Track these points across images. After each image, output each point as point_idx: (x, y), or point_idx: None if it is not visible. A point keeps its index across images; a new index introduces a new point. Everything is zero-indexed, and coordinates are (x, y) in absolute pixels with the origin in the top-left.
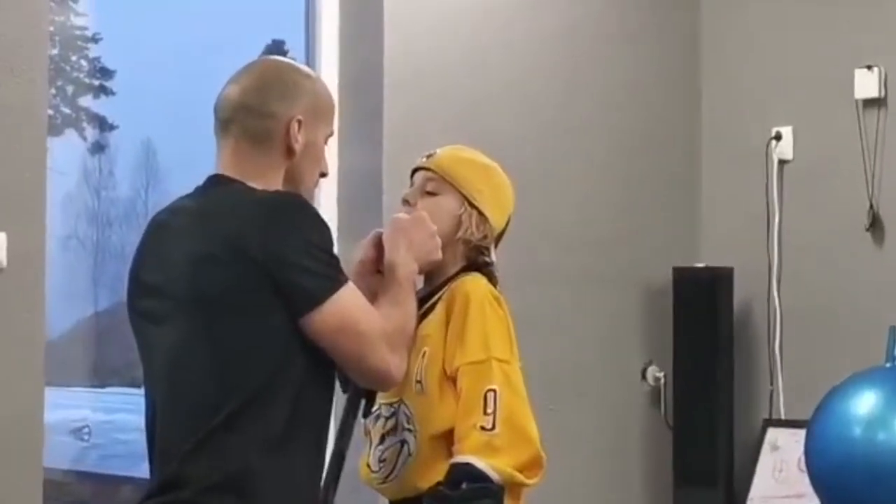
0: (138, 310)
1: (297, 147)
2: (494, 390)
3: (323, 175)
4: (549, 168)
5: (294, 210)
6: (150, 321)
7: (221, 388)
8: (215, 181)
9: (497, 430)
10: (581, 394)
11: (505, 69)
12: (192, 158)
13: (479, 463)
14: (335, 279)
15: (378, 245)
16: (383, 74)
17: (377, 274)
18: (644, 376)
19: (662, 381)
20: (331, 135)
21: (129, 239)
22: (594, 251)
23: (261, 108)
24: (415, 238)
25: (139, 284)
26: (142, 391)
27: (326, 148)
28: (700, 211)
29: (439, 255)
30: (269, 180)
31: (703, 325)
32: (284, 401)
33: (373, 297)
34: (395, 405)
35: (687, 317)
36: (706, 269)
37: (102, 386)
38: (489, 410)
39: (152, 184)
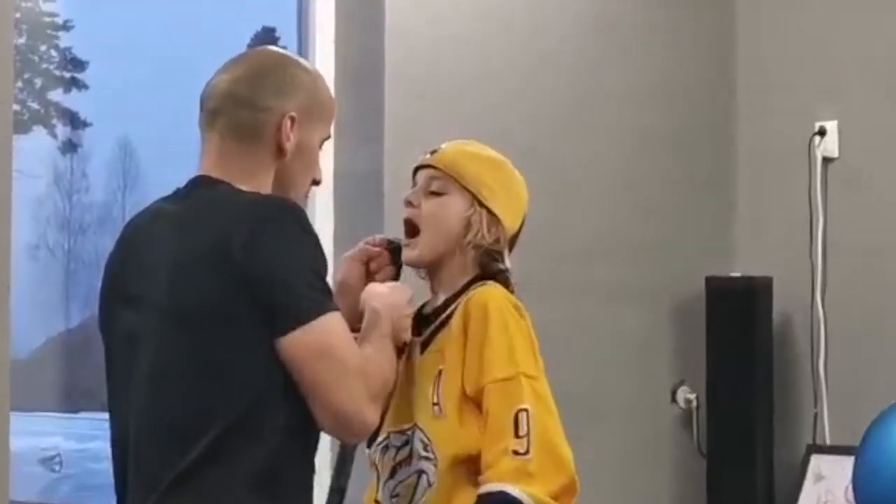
0: (111, 323)
1: (289, 146)
2: (526, 410)
3: (315, 183)
4: (568, 170)
5: (285, 218)
6: (123, 336)
7: (204, 411)
8: (198, 183)
9: (531, 454)
10: (604, 418)
11: (522, 61)
12: (174, 159)
13: (514, 490)
14: (319, 304)
15: (366, 261)
16: (384, 65)
17: (357, 298)
18: (674, 398)
19: (694, 403)
20: (327, 138)
21: (104, 247)
22: (618, 261)
23: (251, 99)
24: (394, 307)
25: (113, 295)
26: None
27: (322, 153)
28: (735, 215)
29: (408, 336)
30: (258, 182)
31: (739, 341)
32: (273, 429)
33: (348, 322)
34: (409, 432)
35: (721, 332)
36: (742, 279)
37: (75, 411)
38: (522, 433)
39: (130, 186)
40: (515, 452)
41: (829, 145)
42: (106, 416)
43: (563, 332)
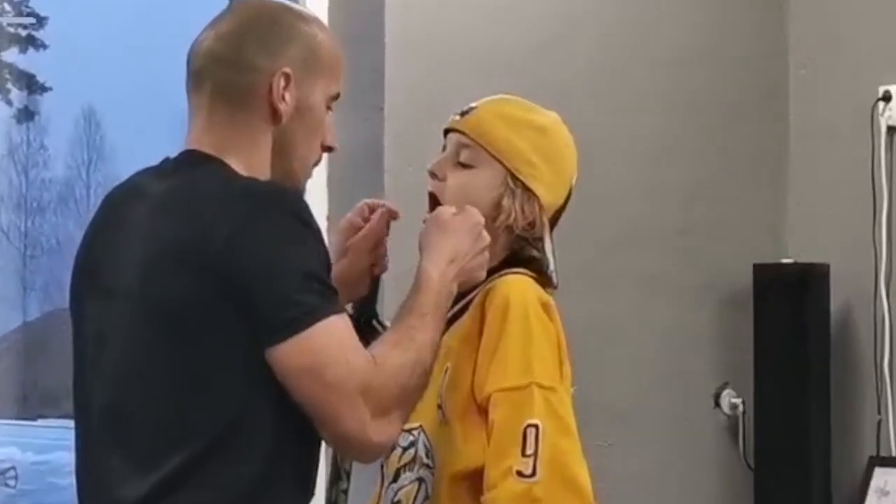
0: (79, 312)
1: (284, 108)
2: (536, 425)
3: (328, 149)
4: (596, 145)
5: (278, 209)
6: (93, 328)
7: (178, 427)
8: (187, 159)
9: (538, 476)
10: (637, 426)
11: (543, 19)
12: (147, 130)
13: None
14: (315, 308)
15: (364, 217)
16: (384, 23)
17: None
18: (718, 403)
19: (741, 408)
20: (335, 97)
21: (66, 230)
22: (655, 248)
23: (237, 58)
24: (462, 248)
25: (85, 279)
26: None
27: (330, 114)
28: (787, 194)
29: (483, 276)
30: (254, 154)
31: (791, 337)
32: (258, 446)
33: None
34: (415, 433)
35: (771, 327)
36: (795, 266)
37: (33, 418)
38: (529, 451)
39: (95, 162)
40: (520, 473)
41: (895, 112)
42: (70, 423)
43: (590, 330)
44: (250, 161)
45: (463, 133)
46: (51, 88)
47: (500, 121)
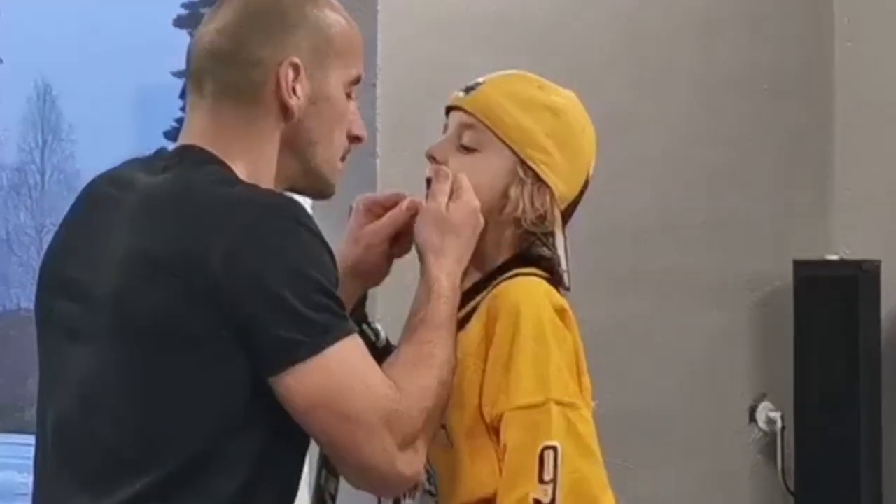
0: (49, 312)
1: (295, 103)
2: (554, 447)
3: (355, 139)
4: (618, 127)
5: (282, 220)
6: (61, 332)
7: (146, 445)
8: (185, 154)
9: None
10: (665, 444)
11: None
12: (108, 107)
13: None
14: (326, 329)
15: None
16: None
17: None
18: (753, 417)
19: (779, 423)
20: (356, 80)
21: (18, 222)
22: (685, 244)
23: (237, 53)
24: (466, 243)
25: (55, 277)
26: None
27: (354, 103)
28: (832, 183)
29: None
30: (260, 156)
31: (836, 342)
32: (236, 472)
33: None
34: None
35: (814, 331)
36: (841, 263)
37: None
38: (547, 477)
39: (51, 144)
40: (538, 502)
41: None
42: (19, 438)
43: (609, 337)
44: (256, 164)
45: (467, 112)
46: (1, 60)
47: (509, 100)
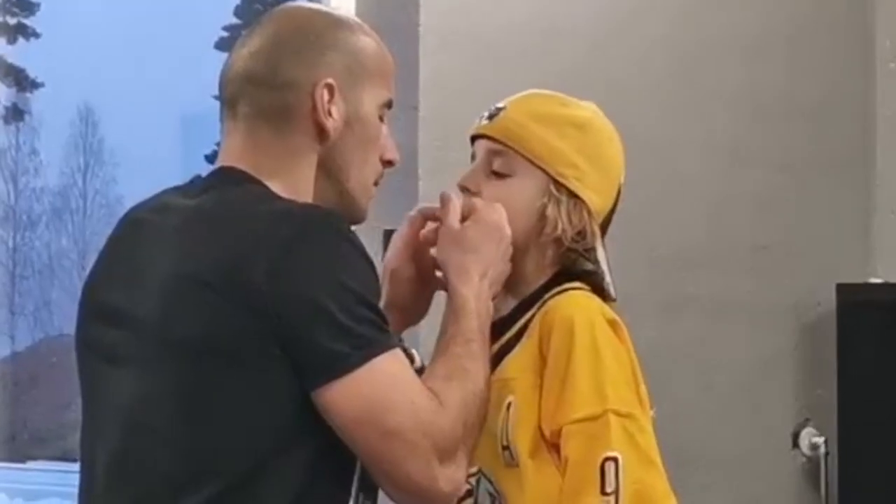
0: (90, 339)
1: (331, 124)
2: (615, 458)
3: (388, 163)
4: (658, 149)
5: (325, 235)
6: (103, 358)
7: (198, 466)
8: (222, 176)
9: None
10: (705, 470)
11: (598, 11)
12: (149, 132)
13: None
14: (370, 342)
15: (413, 245)
16: (419, 16)
17: (415, 285)
18: (796, 443)
19: (823, 449)
20: (388, 104)
21: (60, 247)
22: (728, 267)
23: (272, 75)
24: (489, 258)
25: (96, 303)
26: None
27: (386, 127)
28: (875, 203)
29: (508, 269)
30: (299, 179)
31: (880, 366)
32: (287, 488)
33: (402, 316)
34: (474, 479)
35: (858, 355)
36: (885, 286)
37: (22, 460)
38: (609, 489)
39: (93, 168)
40: None
41: None
42: (62, 465)
43: (650, 361)
44: (296, 185)
45: (493, 139)
46: (43, 84)
47: (533, 121)
